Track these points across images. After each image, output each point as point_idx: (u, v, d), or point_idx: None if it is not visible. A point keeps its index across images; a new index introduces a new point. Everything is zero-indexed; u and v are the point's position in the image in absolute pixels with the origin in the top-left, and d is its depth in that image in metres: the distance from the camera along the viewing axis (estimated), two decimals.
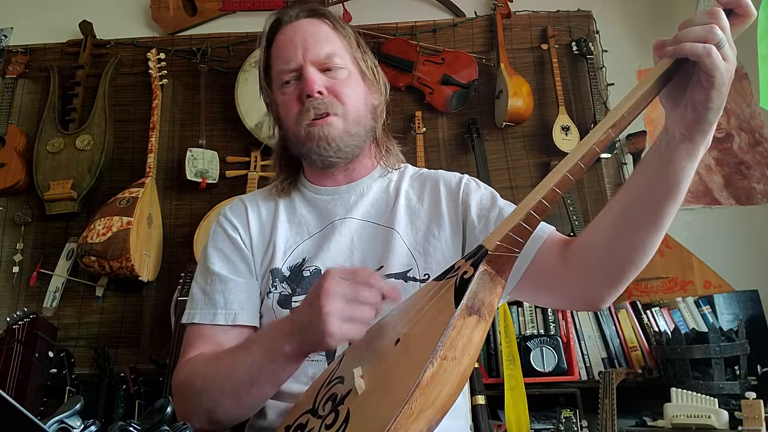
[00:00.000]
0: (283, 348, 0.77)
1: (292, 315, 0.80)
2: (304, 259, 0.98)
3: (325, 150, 0.97)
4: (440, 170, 1.10)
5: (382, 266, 0.96)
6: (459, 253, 0.99)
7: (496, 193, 1.04)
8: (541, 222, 0.92)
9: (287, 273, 0.98)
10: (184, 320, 0.98)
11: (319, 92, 0.95)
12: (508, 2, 2.66)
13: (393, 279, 0.94)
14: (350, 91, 0.99)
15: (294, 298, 0.95)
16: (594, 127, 0.71)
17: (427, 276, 0.95)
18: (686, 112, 0.69)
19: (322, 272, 0.96)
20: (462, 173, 1.09)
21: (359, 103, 1.00)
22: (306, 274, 0.97)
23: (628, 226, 0.79)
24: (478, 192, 1.03)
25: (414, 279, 0.95)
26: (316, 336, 0.71)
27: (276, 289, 0.96)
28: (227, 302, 0.95)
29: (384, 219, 1.02)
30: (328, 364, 0.86)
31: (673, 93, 0.71)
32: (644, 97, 0.69)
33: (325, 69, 0.98)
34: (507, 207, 0.99)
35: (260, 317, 0.98)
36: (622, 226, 0.80)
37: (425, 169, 1.12)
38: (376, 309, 0.71)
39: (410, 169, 1.12)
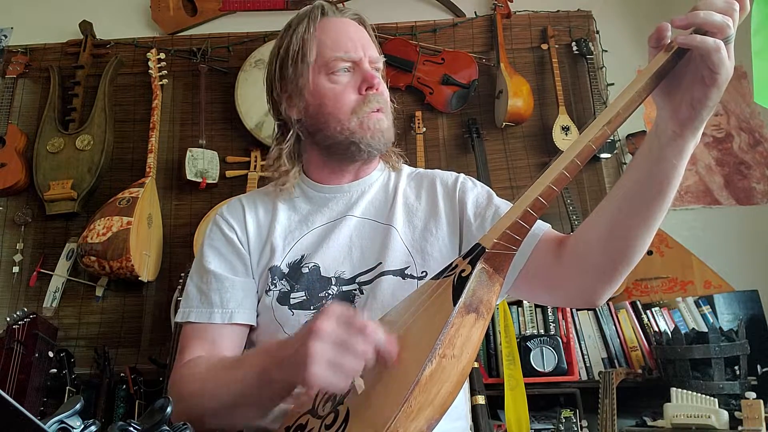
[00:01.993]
0: (272, 375, 0.74)
1: (284, 343, 0.75)
2: (302, 256, 0.98)
3: (377, 141, 0.98)
4: (437, 169, 1.11)
5: (380, 263, 0.96)
6: (456, 250, 0.99)
7: (492, 191, 1.05)
8: (538, 220, 0.92)
9: (286, 270, 0.97)
10: (179, 318, 0.98)
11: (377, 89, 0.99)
12: (508, 2, 2.66)
13: (391, 276, 0.94)
14: (387, 94, 1.03)
15: (293, 295, 0.95)
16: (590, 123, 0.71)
17: (424, 273, 0.95)
18: (680, 109, 0.69)
19: (321, 269, 0.96)
20: (459, 173, 1.10)
21: (390, 106, 1.04)
22: (305, 270, 0.97)
23: (620, 224, 0.79)
24: (475, 190, 1.04)
25: (411, 276, 0.95)
26: (297, 374, 0.66)
27: (275, 286, 0.96)
28: (223, 301, 0.95)
29: (382, 216, 1.02)
30: None
31: (668, 90, 0.70)
32: (639, 93, 0.69)
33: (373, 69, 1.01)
34: (503, 205, 1.00)
35: (257, 316, 0.98)
36: (615, 224, 0.80)
37: (422, 169, 1.13)
38: (365, 362, 0.65)
39: (407, 169, 1.12)
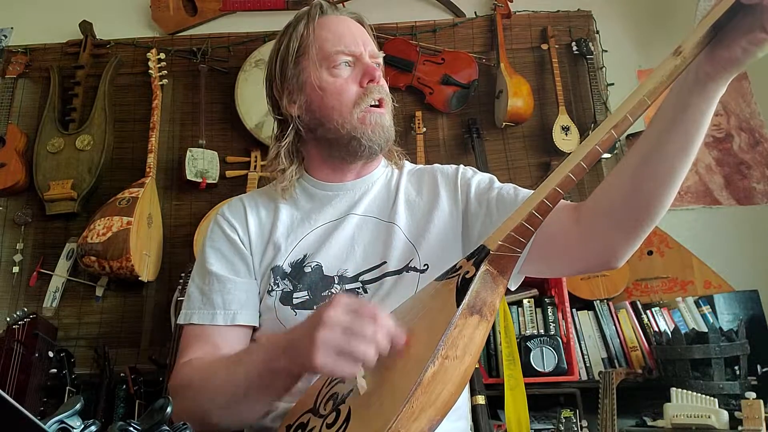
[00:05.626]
0: (278, 363, 0.74)
1: (289, 331, 0.75)
2: (305, 255, 0.98)
3: (378, 136, 0.98)
4: (436, 164, 1.13)
5: (384, 261, 0.96)
6: (458, 238, 1.00)
7: (494, 177, 1.06)
8: None
9: (288, 270, 0.97)
10: (181, 320, 0.98)
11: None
12: (508, 2, 2.66)
13: (396, 276, 0.95)
14: (388, 90, 1.03)
15: (295, 295, 0.95)
16: (594, 127, 0.71)
17: (426, 266, 0.95)
18: (719, 51, 0.68)
19: (323, 268, 0.96)
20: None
21: (391, 104, 1.04)
22: (307, 270, 0.97)
23: (645, 177, 0.78)
24: (476, 177, 1.06)
25: (414, 269, 0.95)
26: (305, 362, 0.67)
27: (278, 286, 0.96)
28: (226, 302, 0.95)
29: (385, 214, 1.02)
30: None
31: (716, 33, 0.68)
32: (648, 96, 0.69)
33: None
34: (505, 187, 1.00)
35: (260, 316, 0.98)
36: (640, 178, 0.79)
37: (422, 165, 1.14)
38: (376, 348, 0.65)
39: (408, 166, 1.14)
